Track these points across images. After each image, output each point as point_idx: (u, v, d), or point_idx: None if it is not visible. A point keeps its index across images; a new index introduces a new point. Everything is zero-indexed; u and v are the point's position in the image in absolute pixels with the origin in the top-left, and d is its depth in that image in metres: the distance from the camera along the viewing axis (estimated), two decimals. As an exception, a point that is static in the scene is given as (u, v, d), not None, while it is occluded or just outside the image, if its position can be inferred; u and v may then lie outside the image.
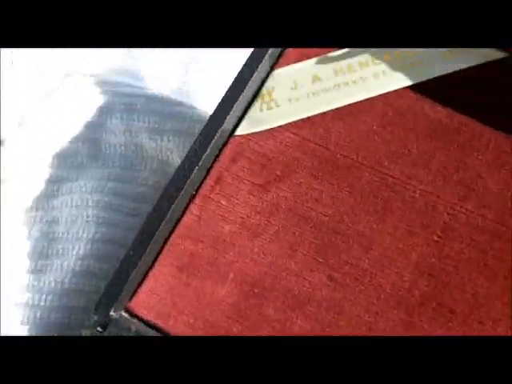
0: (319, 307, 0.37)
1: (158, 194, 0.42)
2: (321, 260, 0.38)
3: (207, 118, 0.42)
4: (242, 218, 0.40)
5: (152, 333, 0.37)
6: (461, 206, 0.38)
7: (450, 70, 0.41)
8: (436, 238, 0.38)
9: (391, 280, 0.37)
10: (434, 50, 0.41)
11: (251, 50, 0.43)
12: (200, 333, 0.37)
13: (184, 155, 0.42)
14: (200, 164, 0.41)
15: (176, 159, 0.45)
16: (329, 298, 0.37)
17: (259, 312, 0.37)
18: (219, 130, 0.41)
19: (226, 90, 0.42)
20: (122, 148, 0.46)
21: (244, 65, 0.42)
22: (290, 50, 0.43)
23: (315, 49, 0.43)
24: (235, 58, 0.45)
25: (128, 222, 0.45)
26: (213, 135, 0.41)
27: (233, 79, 0.42)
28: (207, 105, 0.47)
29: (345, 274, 0.37)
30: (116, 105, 0.47)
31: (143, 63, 0.51)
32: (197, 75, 0.51)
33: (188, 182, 0.40)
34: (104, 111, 0.48)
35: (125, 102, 0.47)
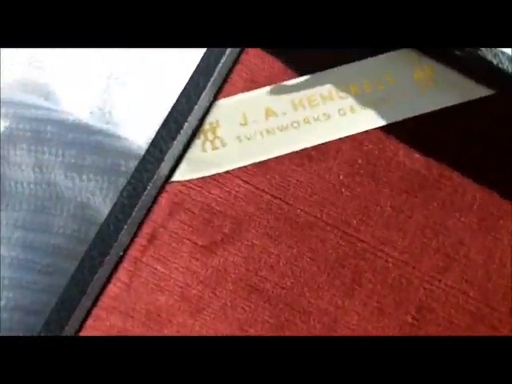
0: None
1: (78, 247, 0.34)
2: (277, 344, 0.32)
3: (136, 151, 0.34)
4: (182, 287, 0.33)
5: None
6: (439, 280, 0.32)
7: (429, 109, 0.35)
8: (410, 320, 0.32)
9: (360, 373, 0.31)
10: (410, 83, 0.35)
11: (185, 64, 0.35)
12: None
13: (107, 196, 0.34)
14: (129, 221, 0.33)
15: (98, 202, 0.36)
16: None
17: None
18: (153, 176, 0.34)
19: (161, 123, 0.34)
20: (32, 187, 0.37)
21: (181, 93, 0.34)
22: (236, 76, 0.35)
23: (267, 76, 0.35)
24: (166, 69, 0.37)
25: (40, 282, 0.36)
26: (145, 183, 0.34)
27: (167, 104, 0.35)
28: (135, 131, 0.38)
29: (305, 364, 0.32)
30: (20, 132, 0.37)
31: (53, 76, 0.41)
32: (121, 92, 0.41)
33: (116, 243, 0.33)
34: (5, 140, 0.38)
35: (31, 129, 0.37)
